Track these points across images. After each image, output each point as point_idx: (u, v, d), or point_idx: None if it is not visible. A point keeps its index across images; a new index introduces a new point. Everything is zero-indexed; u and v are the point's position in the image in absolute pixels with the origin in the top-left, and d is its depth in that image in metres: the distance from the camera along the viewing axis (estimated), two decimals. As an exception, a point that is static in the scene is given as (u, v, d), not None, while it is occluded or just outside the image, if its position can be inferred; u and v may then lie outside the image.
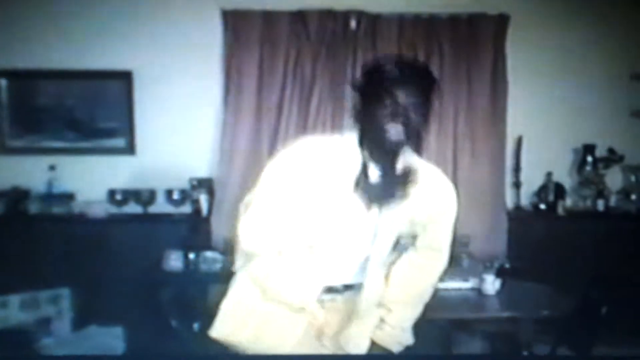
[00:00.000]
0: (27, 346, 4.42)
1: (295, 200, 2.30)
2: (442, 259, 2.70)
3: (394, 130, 2.24)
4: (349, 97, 5.03)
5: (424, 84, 2.32)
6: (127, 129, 5.27)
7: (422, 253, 2.64)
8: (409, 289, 2.68)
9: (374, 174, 2.35)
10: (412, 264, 2.64)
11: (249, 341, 2.47)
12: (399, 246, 2.47)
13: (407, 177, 2.33)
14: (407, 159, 2.41)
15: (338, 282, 2.50)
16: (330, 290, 2.49)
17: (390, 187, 2.33)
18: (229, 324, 2.51)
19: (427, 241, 2.62)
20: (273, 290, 2.43)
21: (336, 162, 2.34)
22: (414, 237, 2.59)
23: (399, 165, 2.38)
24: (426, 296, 2.77)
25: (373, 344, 2.63)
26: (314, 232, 2.33)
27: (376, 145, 2.32)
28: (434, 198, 2.53)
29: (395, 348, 2.69)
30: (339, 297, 2.53)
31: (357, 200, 2.29)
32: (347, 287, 2.52)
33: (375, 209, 2.34)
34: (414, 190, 2.35)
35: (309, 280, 2.40)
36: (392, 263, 2.60)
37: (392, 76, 2.27)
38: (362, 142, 2.36)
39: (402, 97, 2.24)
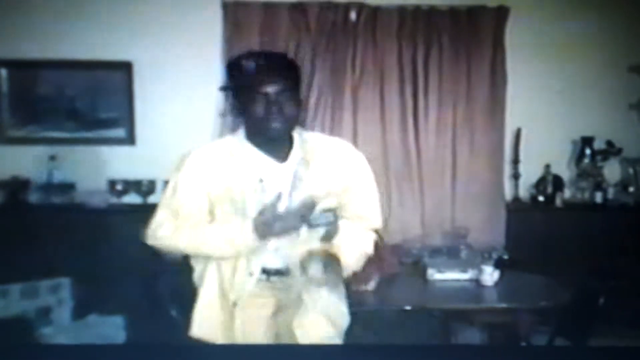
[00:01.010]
0: (27, 335, 4.43)
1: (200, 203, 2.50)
2: (371, 226, 2.72)
3: (273, 123, 2.37)
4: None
5: (286, 72, 2.44)
6: (127, 119, 5.28)
7: (353, 221, 2.65)
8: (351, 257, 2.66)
9: (269, 165, 2.49)
10: (347, 233, 2.60)
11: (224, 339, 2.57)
12: (321, 220, 2.45)
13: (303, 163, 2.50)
14: (304, 137, 2.57)
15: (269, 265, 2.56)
16: (265, 272, 2.55)
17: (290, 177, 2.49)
18: (203, 326, 2.60)
19: (352, 210, 2.64)
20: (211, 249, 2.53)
21: (233, 160, 2.49)
22: (337, 209, 2.58)
23: (295, 149, 2.52)
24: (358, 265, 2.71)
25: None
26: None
27: (262, 137, 2.46)
28: (342, 167, 2.60)
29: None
30: (274, 280, 2.57)
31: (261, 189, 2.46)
32: (278, 272, 2.57)
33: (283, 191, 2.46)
34: (321, 164, 2.52)
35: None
36: (324, 238, 2.54)
37: (255, 71, 2.40)
38: (249, 137, 2.51)
39: (270, 89, 2.37)
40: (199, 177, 2.50)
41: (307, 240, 2.50)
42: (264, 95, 2.36)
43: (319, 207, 2.44)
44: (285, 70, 2.45)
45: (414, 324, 4.00)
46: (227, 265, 2.53)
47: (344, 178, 2.59)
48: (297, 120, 2.48)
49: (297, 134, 2.54)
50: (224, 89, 2.68)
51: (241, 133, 2.53)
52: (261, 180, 2.46)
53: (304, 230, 2.46)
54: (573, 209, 5.40)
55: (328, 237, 2.50)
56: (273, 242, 2.48)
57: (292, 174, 2.49)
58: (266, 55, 2.53)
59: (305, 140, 2.55)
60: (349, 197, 2.61)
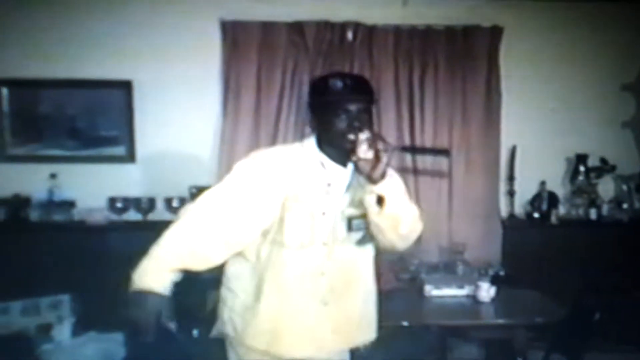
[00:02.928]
0: (28, 352, 4.43)
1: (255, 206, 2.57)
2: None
3: (352, 139, 2.47)
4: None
5: (367, 94, 2.62)
6: (127, 138, 5.31)
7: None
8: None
9: (335, 171, 2.65)
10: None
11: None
12: (361, 226, 2.67)
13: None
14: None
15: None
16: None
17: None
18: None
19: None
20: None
21: (295, 166, 2.62)
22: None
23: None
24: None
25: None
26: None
27: (337, 148, 2.58)
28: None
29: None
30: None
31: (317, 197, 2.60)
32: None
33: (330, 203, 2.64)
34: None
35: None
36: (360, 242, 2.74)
37: (342, 90, 2.57)
38: (320, 146, 2.65)
39: (352, 107, 2.54)
40: (274, 178, 2.60)
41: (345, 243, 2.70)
42: (347, 112, 2.53)
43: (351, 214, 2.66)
44: (365, 90, 2.63)
45: (411, 339, 4.01)
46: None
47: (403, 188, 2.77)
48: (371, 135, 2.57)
49: None
50: (310, 105, 2.70)
51: (310, 143, 2.67)
52: (329, 184, 2.63)
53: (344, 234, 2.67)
54: (568, 226, 5.44)
55: (364, 242, 2.72)
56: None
57: (350, 177, 2.66)
58: (350, 76, 2.75)
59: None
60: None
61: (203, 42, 5.30)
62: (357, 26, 5.32)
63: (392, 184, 2.56)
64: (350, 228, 2.65)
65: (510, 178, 5.46)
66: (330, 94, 2.57)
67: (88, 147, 5.30)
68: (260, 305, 2.64)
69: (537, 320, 3.82)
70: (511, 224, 5.41)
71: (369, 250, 2.79)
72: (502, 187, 5.50)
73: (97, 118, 5.32)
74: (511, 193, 5.48)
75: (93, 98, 5.30)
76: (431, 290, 4.21)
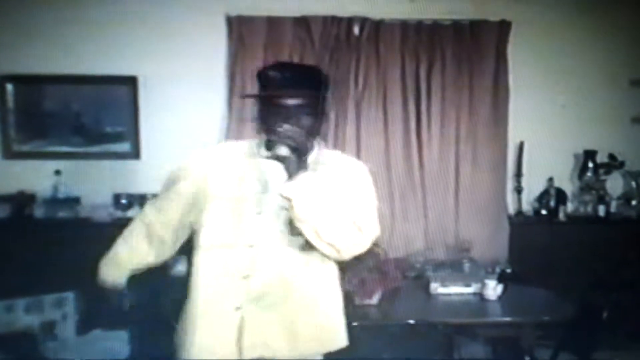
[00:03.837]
0: (32, 350, 4.42)
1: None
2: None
3: (284, 134, 2.29)
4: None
5: (306, 88, 2.42)
6: (132, 134, 5.30)
7: None
8: None
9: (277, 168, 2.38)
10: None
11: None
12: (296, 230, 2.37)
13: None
14: (321, 151, 2.54)
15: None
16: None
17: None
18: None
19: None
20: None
21: (223, 163, 2.53)
22: None
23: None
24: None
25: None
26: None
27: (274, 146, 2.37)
28: (345, 175, 2.53)
29: None
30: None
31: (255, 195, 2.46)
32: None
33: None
34: (326, 172, 2.44)
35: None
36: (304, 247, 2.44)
37: (277, 81, 2.41)
38: (267, 144, 2.44)
39: (285, 101, 2.37)
40: (192, 175, 2.57)
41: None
42: (280, 107, 2.37)
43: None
44: (309, 83, 2.44)
45: (418, 338, 3.99)
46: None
47: (346, 185, 2.50)
48: (311, 136, 2.43)
49: (316, 146, 2.51)
50: (247, 96, 2.62)
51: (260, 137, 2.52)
52: (266, 182, 2.46)
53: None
54: (576, 223, 5.41)
55: (306, 248, 2.41)
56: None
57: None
58: (294, 66, 2.68)
59: (320, 154, 2.53)
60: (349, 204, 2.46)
61: (209, 38, 5.28)
62: (363, 21, 5.29)
63: (305, 186, 2.27)
64: (292, 231, 2.37)
65: (518, 174, 5.43)
66: (264, 84, 2.45)
67: (93, 144, 5.30)
68: (184, 313, 2.56)
69: (544, 318, 3.80)
70: (518, 221, 5.38)
71: (317, 256, 2.43)
72: (510, 183, 5.47)
73: (102, 114, 5.32)
74: (518, 190, 5.45)
75: (98, 94, 5.29)
76: (437, 288, 4.18)
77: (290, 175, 2.27)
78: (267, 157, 2.32)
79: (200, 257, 2.50)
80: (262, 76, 2.49)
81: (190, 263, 2.57)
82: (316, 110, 2.43)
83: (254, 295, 2.42)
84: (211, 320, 2.46)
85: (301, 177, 2.27)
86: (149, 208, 2.71)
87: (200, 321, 2.47)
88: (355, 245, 2.40)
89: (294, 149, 2.27)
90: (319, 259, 2.46)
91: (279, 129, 2.28)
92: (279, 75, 2.43)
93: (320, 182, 2.31)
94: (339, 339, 2.58)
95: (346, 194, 2.43)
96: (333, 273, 2.59)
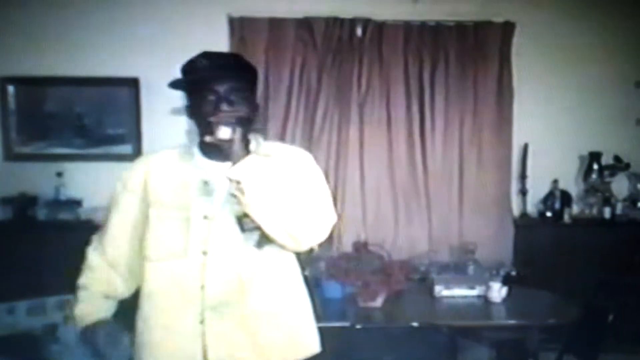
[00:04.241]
0: (34, 352, 4.41)
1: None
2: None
3: (222, 127, 2.17)
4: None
5: (239, 71, 2.31)
6: (134, 136, 5.29)
7: None
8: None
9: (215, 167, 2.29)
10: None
11: None
12: (247, 226, 2.23)
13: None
14: (260, 143, 2.38)
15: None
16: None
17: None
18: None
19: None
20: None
21: (160, 170, 2.36)
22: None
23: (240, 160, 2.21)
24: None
25: None
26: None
27: (203, 136, 2.25)
28: (292, 165, 2.36)
29: None
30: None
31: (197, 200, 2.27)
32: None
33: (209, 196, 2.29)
34: (271, 164, 2.25)
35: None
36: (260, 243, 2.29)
37: (208, 68, 2.29)
38: (200, 140, 2.31)
39: (218, 86, 2.23)
40: (132, 186, 2.40)
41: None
42: (214, 93, 2.22)
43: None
44: (239, 69, 2.32)
45: (422, 340, 3.97)
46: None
47: (295, 172, 2.34)
48: (249, 122, 2.28)
49: (253, 139, 2.35)
50: (173, 85, 2.40)
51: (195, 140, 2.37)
52: (206, 183, 2.29)
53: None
54: (581, 225, 5.38)
55: (262, 243, 2.27)
56: None
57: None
58: (220, 54, 2.43)
59: (260, 145, 2.37)
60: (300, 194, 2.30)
61: (210, 39, 5.24)
62: (366, 22, 5.27)
63: (254, 167, 2.14)
64: (243, 228, 2.23)
65: (522, 176, 5.40)
66: (193, 72, 2.31)
67: (95, 145, 5.29)
68: (138, 331, 2.34)
69: (549, 321, 3.77)
70: (523, 223, 5.35)
71: (276, 251, 2.29)
72: (514, 185, 5.45)
73: (104, 116, 5.31)
74: (523, 192, 5.42)
75: (100, 96, 5.29)
76: (442, 291, 4.14)
77: (235, 159, 2.15)
78: (209, 142, 2.18)
79: (150, 271, 2.30)
80: (190, 66, 2.35)
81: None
82: (249, 97, 2.30)
83: (212, 305, 2.23)
84: (171, 338, 2.27)
85: (248, 159, 2.14)
86: (101, 244, 2.51)
87: (158, 340, 2.29)
88: (314, 232, 2.26)
89: (234, 129, 2.16)
90: (276, 255, 2.31)
91: (218, 111, 2.18)
92: (208, 62, 2.31)
93: (269, 166, 2.18)
94: (311, 345, 2.42)
95: (296, 181, 2.29)
96: (294, 271, 2.43)
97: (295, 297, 2.41)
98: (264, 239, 2.23)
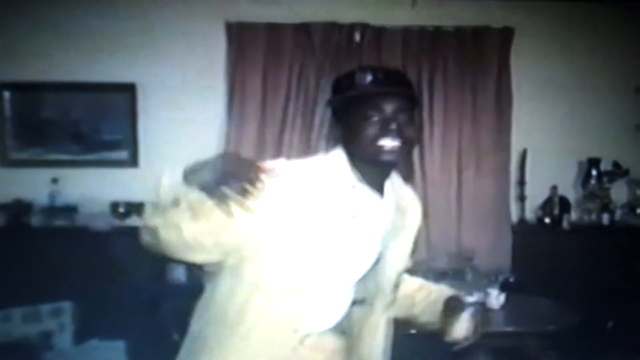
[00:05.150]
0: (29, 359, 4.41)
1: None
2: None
3: (389, 147, 1.93)
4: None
5: (405, 91, 2.03)
6: (130, 142, 5.26)
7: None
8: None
9: (366, 196, 2.02)
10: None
11: None
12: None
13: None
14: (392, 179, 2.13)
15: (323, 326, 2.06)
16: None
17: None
18: None
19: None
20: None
21: (322, 185, 1.97)
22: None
23: (388, 188, 2.08)
24: None
25: None
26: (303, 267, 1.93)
27: (369, 164, 1.99)
28: (415, 219, 2.22)
29: None
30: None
31: (353, 226, 1.97)
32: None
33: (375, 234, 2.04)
34: (411, 215, 2.17)
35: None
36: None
37: (371, 84, 1.98)
38: (353, 162, 2.01)
39: (389, 108, 1.95)
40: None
41: None
42: (379, 112, 1.94)
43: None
44: (405, 86, 2.03)
45: (420, 348, 3.94)
46: None
47: (415, 226, 2.21)
48: (413, 146, 2.08)
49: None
50: (330, 104, 2.09)
51: (337, 155, 2.04)
52: (354, 216, 1.99)
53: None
54: (580, 231, 5.35)
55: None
56: None
57: (389, 219, 2.07)
58: (383, 69, 2.07)
59: (393, 182, 2.13)
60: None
61: (208, 45, 5.25)
62: (364, 27, 5.26)
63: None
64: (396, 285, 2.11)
65: (521, 182, 5.38)
66: (356, 88, 1.97)
67: (90, 152, 5.26)
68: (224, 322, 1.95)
69: (548, 328, 3.77)
70: (522, 229, 5.33)
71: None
72: (513, 191, 5.43)
73: (100, 122, 5.28)
74: (522, 197, 5.40)
75: (96, 102, 5.27)
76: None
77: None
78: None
79: (256, 300, 1.91)
80: (349, 81, 2.04)
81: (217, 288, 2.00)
82: (414, 120, 2.04)
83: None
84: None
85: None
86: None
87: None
88: None
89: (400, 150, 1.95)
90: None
91: (385, 133, 1.93)
92: (372, 76, 2.00)
93: None
94: None
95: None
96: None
97: None
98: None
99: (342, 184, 1.99)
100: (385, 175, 2.04)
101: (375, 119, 1.94)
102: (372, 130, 1.93)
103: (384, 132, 1.93)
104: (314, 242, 1.91)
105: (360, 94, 1.97)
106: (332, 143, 2.08)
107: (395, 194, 2.11)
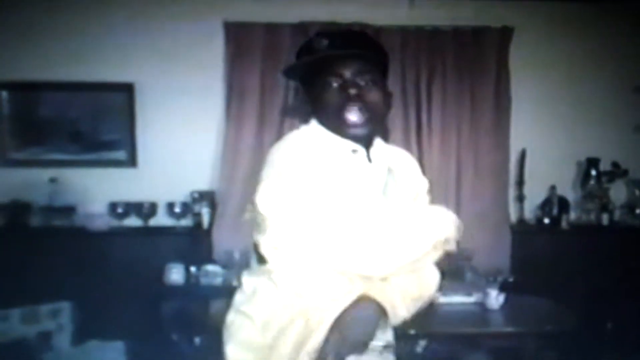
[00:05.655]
0: (27, 360, 4.41)
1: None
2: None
3: (352, 121, 1.92)
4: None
5: (365, 52, 1.98)
6: (129, 142, 5.24)
7: None
8: None
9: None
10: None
11: None
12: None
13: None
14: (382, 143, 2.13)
15: None
16: None
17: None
18: None
19: None
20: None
21: (329, 155, 1.95)
22: None
23: (377, 152, 2.07)
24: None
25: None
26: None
27: (341, 136, 1.97)
28: (414, 177, 2.26)
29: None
30: None
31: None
32: None
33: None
34: (403, 176, 2.16)
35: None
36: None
37: (330, 50, 1.93)
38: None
39: (347, 72, 1.92)
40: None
41: None
42: (338, 77, 1.91)
43: None
44: (364, 47, 1.97)
45: (418, 348, 3.94)
46: None
47: (417, 186, 2.26)
48: (381, 111, 2.01)
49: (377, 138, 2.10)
50: (286, 74, 2.10)
51: (313, 127, 2.03)
52: (355, 151, 1.99)
53: None
54: (579, 231, 5.34)
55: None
56: None
57: (383, 181, 2.06)
58: (342, 31, 2.08)
59: (384, 146, 2.12)
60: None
61: (206, 44, 5.23)
62: (363, 27, 5.22)
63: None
64: None
65: (520, 182, 5.37)
66: (314, 53, 1.94)
67: (89, 151, 5.24)
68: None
69: (547, 329, 3.76)
70: (520, 230, 5.32)
71: None
72: (511, 191, 5.42)
73: (98, 121, 5.26)
74: (520, 198, 5.39)
75: (94, 101, 5.24)
76: (438, 298, 4.11)
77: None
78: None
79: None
80: (307, 47, 2.00)
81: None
82: (379, 81, 1.99)
83: None
84: None
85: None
86: None
87: None
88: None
89: (364, 113, 1.92)
90: None
91: (345, 98, 1.90)
92: (327, 41, 1.95)
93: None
94: None
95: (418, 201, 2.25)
96: None
97: None
98: None
99: (342, 151, 1.98)
100: (360, 144, 2.00)
101: (335, 85, 1.92)
102: (333, 98, 1.92)
103: (344, 98, 1.91)
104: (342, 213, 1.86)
105: (317, 59, 1.94)
106: (303, 118, 2.06)
107: (384, 157, 2.10)
